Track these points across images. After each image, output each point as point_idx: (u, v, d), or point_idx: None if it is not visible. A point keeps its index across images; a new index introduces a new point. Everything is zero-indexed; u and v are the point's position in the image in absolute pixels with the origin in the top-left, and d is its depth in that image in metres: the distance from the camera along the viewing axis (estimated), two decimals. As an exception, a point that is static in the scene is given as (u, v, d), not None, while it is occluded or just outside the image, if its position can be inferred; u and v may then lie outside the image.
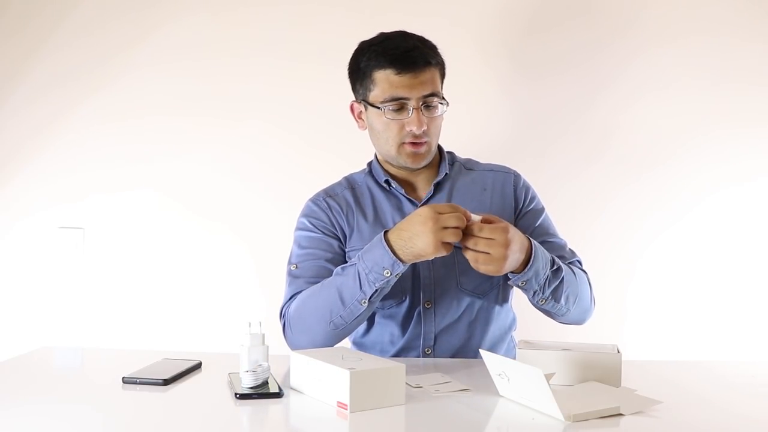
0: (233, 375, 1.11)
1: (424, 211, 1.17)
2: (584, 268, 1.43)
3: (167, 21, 1.95)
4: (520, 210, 1.45)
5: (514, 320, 1.48)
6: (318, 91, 1.91)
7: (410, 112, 1.32)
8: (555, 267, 1.28)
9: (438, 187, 1.43)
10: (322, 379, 1.01)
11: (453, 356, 1.38)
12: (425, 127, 1.33)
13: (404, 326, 1.39)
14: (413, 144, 1.35)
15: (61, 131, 1.98)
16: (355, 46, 1.40)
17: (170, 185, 1.96)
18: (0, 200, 2.00)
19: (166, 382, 1.10)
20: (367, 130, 1.43)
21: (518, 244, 1.19)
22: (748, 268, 1.89)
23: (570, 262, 1.39)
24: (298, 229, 1.44)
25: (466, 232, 1.17)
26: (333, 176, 1.52)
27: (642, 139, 1.90)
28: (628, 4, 1.90)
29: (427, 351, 1.38)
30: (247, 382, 1.04)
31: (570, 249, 1.44)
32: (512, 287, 1.44)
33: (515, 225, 1.39)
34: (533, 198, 1.47)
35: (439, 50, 1.38)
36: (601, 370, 1.09)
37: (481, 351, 1.05)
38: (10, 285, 2.00)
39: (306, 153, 1.93)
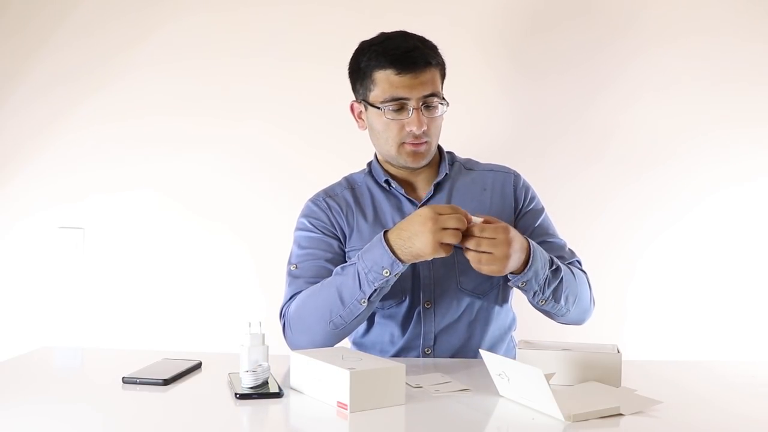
0: (233, 375, 1.11)
1: (424, 212, 1.17)
2: (584, 268, 1.43)
3: (167, 21, 1.95)
4: (520, 210, 1.45)
5: (513, 320, 1.48)
6: (318, 91, 1.91)
7: (410, 112, 1.32)
8: (554, 267, 1.28)
9: (438, 187, 1.43)
10: (322, 379, 1.01)
11: (453, 356, 1.38)
12: (425, 128, 1.33)
13: (404, 326, 1.39)
14: (413, 143, 1.35)
15: (61, 131, 1.98)
16: (355, 46, 1.40)
17: (170, 185, 1.96)
18: (0, 200, 2.00)
19: (166, 382, 1.10)
20: (367, 130, 1.43)
21: (519, 243, 1.19)
22: (747, 268, 1.89)
23: (569, 263, 1.39)
24: (298, 229, 1.44)
25: (467, 233, 1.17)
26: (333, 176, 1.52)
27: (642, 139, 1.90)
28: (628, 4, 1.90)
29: (427, 351, 1.38)
30: (247, 382, 1.04)
31: (570, 249, 1.44)
32: (512, 287, 1.44)
33: (515, 225, 1.40)
34: (533, 198, 1.47)
35: (439, 50, 1.38)
36: (601, 370, 1.09)
37: (481, 351, 1.05)
38: (10, 285, 2.00)
39: (306, 153, 1.93)
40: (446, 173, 1.44)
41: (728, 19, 1.87)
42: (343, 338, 1.31)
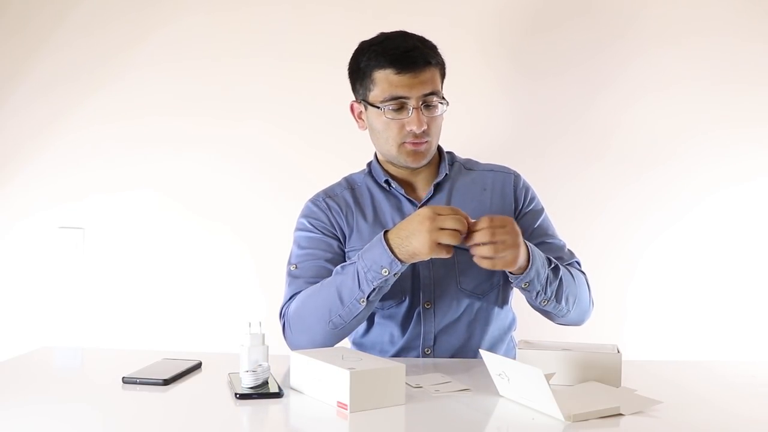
0: (233, 375, 1.11)
1: (423, 211, 1.17)
2: (583, 269, 1.43)
3: (167, 21, 1.95)
4: (520, 210, 1.45)
5: (513, 320, 1.48)
6: (318, 91, 1.91)
7: (410, 111, 1.32)
8: (552, 265, 1.28)
9: (438, 187, 1.43)
10: (322, 379, 1.01)
11: (453, 356, 1.38)
12: (425, 127, 1.33)
13: (404, 326, 1.39)
14: (413, 143, 1.35)
15: (61, 131, 1.98)
16: (355, 47, 1.40)
17: (170, 185, 1.96)
18: (0, 200, 2.00)
19: (166, 382, 1.10)
20: (367, 130, 1.43)
21: (521, 237, 1.19)
22: (747, 268, 1.88)
23: (569, 263, 1.39)
24: (298, 229, 1.44)
25: (471, 232, 1.16)
26: (333, 176, 1.52)
27: (642, 139, 1.90)
28: (628, 4, 1.90)
29: (427, 351, 1.38)
30: (247, 382, 1.04)
31: (569, 250, 1.44)
32: (512, 288, 1.44)
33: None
34: (533, 198, 1.47)
35: (439, 50, 1.38)
36: (601, 370, 1.09)
37: (481, 351, 1.05)
38: (10, 285, 2.00)
39: (306, 153, 1.93)
40: (446, 173, 1.44)
41: (728, 19, 1.87)
42: (343, 338, 1.31)
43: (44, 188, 1.98)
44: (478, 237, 1.16)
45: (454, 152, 1.51)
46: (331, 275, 1.30)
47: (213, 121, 1.95)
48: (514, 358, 1.09)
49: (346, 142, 1.74)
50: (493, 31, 1.91)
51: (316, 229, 1.41)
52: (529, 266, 1.22)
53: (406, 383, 1.04)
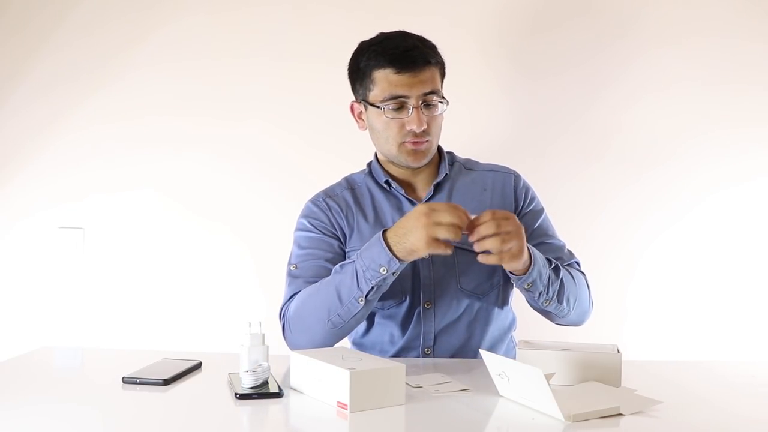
0: (233, 375, 1.11)
1: (419, 208, 1.17)
2: (583, 269, 1.43)
3: (167, 21, 1.95)
4: (520, 211, 1.44)
5: (513, 320, 1.48)
6: (318, 91, 1.91)
7: (410, 111, 1.32)
8: (553, 265, 1.29)
9: (438, 187, 1.43)
10: (322, 379, 1.01)
11: (453, 356, 1.38)
12: (425, 126, 1.33)
13: (404, 326, 1.39)
14: (414, 142, 1.35)
15: (61, 131, 1.98)
16: (355, 47, 1.40)
17: (170, 185, 1.96)
18: (0, 200, 2.00)
19: (166, 382, 1.10)
20: (367, 130, 1.43)
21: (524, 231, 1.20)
22: (747, 268, 1.89)
23: (568, 264, 1.39)
24: (298, 229, 1.44)
25: (476, 224, 1.15)
26: (333, 176, 1.52)
27: (642, 139, 1.90)
28: (628, 4, 1.90)
29: (427, 351, 1.38)
30: (247, 382, 1.04)
31: (569, 250, 1.44)
32: (512, 288, 1.44)
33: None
34: (533, 199, 1.47)
35: (438, 50, 1.38)
36: (601, 370, 1.09)
37: (481, 351, 1.05)
38: (10, 285, 2.00)
39: (306, 153, 1.93)
40: (446, 173, 1.44)
41: (728, 19, 1.87)
42: (343, 337, 1.31)
43: (44, 188, 1.98)
44: (483, 230, 1.14)
45: (454, 152, 1.51)
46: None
47: (213, 121, 1.95)
48: (514, 358, 1.09)
49: (346, 142, 1.74)
50: (493, 31, 1.91)
51: (317, 229, 1.41)
52: (532, 266, 1.22)
53: (406, 383, 1.04)
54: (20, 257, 1.99)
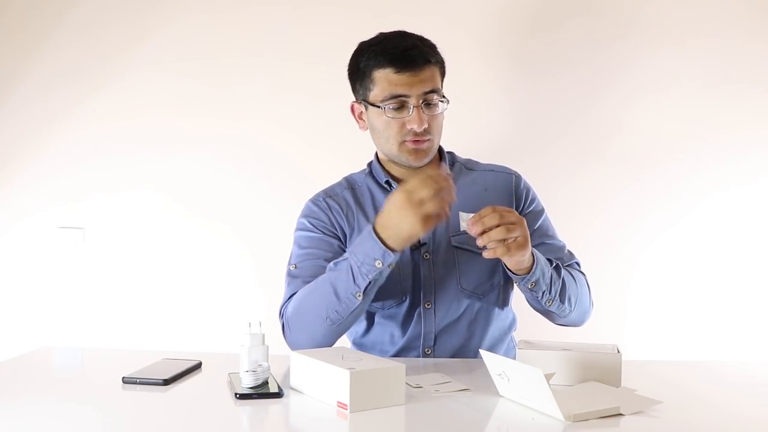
0: (233, 375, 1.11)
1: (396, 196, 1.16)
2: (583, 269, 1.43)
3: (167, 21, 1.95)
4: (521, 211, 1.44)
5: (514, 321, 1.48)
6: (318, 91, 1.91)
7: (410, 110, 1.32)
8: (554, 265, 1.29)
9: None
10: (322, 379, 1.01)
11: (453, 356, 1.38)
12: (426, 125, 1.33)
13: (404, 326, 1.39)
14: (414, 141, 1.35)
15: (61, 131, 1.98)
16: (355, 47, 1.40)
17: (170, 185, 1.96)
18: (0, 200, 2.00)
19: (166, 382, 1.10)
20: (368, 130, 1.43)
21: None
22: (747, 268, 1.89)
23: (569, 264, 1.40)
24: (298, 229, 1.44)
25: (480, 217, 1.14)
26: (333, 176, 1.52)
27: (642, 139, 1.90)
28: (628, 4, 1.90)
29: (427, 351, 1.38)
30: (247, 382, 1.04)
31: (569, 251, 1.44)
32: (512, 288, 1.45)
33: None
34: (533, 199, 1.47)
35: (438, 49, 1.38)
36: (601, 370, 1.09)
37: (481, 351, 1.05)
38: (10, 285, 2.00)
39: (306, 153, 1.93)
40: (447, 173, 1.44)
41: (728, 19, 1.87)
42: (342, 334, 1.30)
43: (44, 188, 1.98)
44: (487, 221, 1.14)
45: (455, 152, 1.51)
46: (328, 274, 1.30)
47: (213, 121, 1.95)
48: (514, 358, 1.09)
49: (346, 142, 1.74)
50: (493, 31, 1.91)
51: (317, 228, 1.41)
52: (534, 265, 1.22)
53: (406, 383, 1.04)
54: (20, 257, 1.99)
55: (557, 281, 1.28)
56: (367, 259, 1.19)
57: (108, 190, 1.97)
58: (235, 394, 1.03)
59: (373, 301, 1.34)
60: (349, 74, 1.41)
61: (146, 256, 1.97)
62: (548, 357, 1.09)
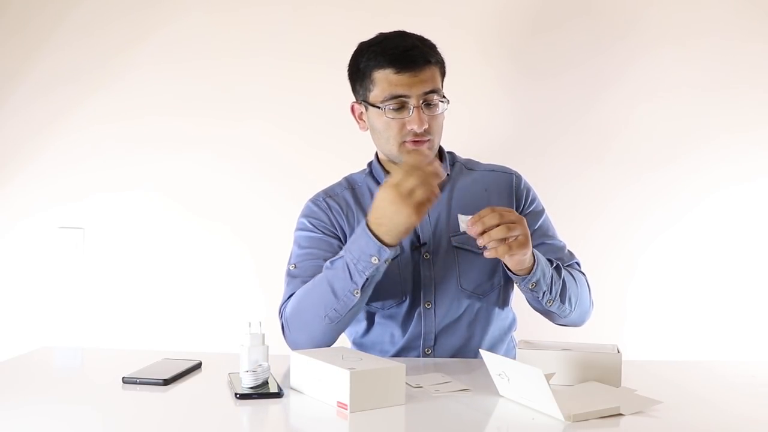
0: (233, 375, 1.11)
1: (385, 192, 1.16)
2: (583, 269, 1.43)
3: (167, 21, 1.95)
4: (521, 211, 1.44)
5: (514, 321, 1.48)
6: (318, 91, 1.91)
7: (411, 110, 1.32)
8: (554, 265, 1.29)
9: (438, 187, 1.43)
10: (322, 379, 1.01)
11: (453, 356, 1.38)
12: (426, 126, 1.32)
13: (404, 326, 1.39)
14: (415, 141, 1.35)
15: (61, 131, 1.98)
16: (355, 47, 1.40)
17: (170, 185, 1.96)
18: (0, 200, 2.00)
19: (166, 382, 1.10)
20: (368, 131, 1.43)
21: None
22: (747, 268, 1.89)
23: (569, 264, 1.39)
24: (298, 229, 1.44)
25: (480, 217, 1.15)
26: (333, 176, 1.52)
27: (642, 139, 1.90)
28: (629, 5, 1.90)
29: (427, 351, 1.38)
30: (247, 382, 1.04)
31: (569, 251, 1.44)
32: (512, 288, 1.45)
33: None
34: (534, 199, 1.47)
35: (438, 49, 1.38)
36: (601, 370, 1.09)
37: (481, 351, 1.05)
38: (10, 285, 2.00)
39: (306, 153, 1.93)
40: (447, 174, 1.44)
41: (728, 20, 1.87)
42: (341, 332, 1.30)
43: (44, 188, 1.98)
44: (488, 220, 1.14)
45: (455, 152, 1.51)
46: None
47: (213, 121, 1.95)
48: (515, 358, 1.09)
49: (346, 142, 1.74)
50: (494, 31, 1.91)
51: (317, 228, 1.41)
52: (535, 265, 1.22)
53: (406, 383, 1.04)
54: (20, 257, 1.99)
55: (558, 281, 1.28)
56: (363, 255, 1.19)
57: (108, 190, 1.97)
58: (235, 394, 1.03)
59: (373, 301, 1.34)
60: (349, 75, 1.41)
61: (146, 256, 1.97)
62: (548, 357, 1.09)
